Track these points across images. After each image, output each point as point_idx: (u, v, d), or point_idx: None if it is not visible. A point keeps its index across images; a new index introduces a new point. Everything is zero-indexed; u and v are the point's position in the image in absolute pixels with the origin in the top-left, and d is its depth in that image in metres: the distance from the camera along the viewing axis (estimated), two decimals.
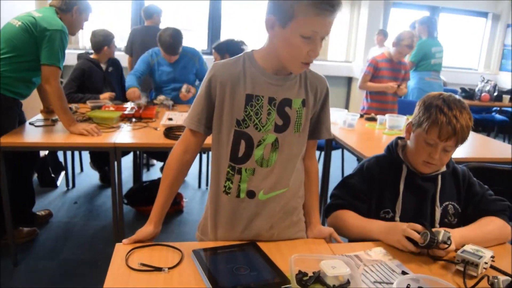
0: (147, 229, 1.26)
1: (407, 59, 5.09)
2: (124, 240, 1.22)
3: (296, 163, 1.29)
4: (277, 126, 1.22)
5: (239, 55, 1.25)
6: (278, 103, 1.21)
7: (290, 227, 1.34)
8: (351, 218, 1.42)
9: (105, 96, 3.43)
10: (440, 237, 1.22)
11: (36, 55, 2.39)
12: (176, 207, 3.43)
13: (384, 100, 3.78)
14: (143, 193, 3.37)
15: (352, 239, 1.45)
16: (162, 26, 4.41)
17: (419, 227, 1.25)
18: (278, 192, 1.27)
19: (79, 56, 3.58)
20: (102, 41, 3.50)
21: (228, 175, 1.26)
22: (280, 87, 1.22)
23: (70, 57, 3.67)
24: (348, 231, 1.41)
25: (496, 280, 1.07)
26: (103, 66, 3.59)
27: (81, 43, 5.68)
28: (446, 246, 1.22)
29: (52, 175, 3.81)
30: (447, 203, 1.47)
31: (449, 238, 1.22)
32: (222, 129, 1.24)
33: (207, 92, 1.23)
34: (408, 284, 1.03)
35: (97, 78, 3.54)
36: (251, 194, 1.26)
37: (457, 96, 1.40)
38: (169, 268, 1.11)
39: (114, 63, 3.72)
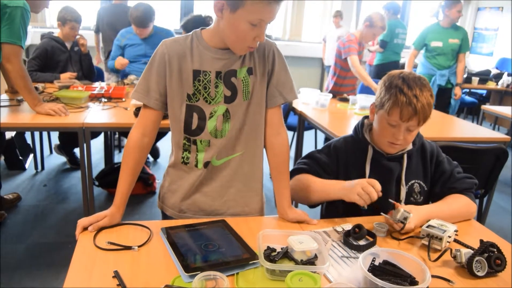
0: (113, 218, 1.22)
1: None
2: (89, 228, 1.17)
3: (252, 130, 1.32)
4: (226, 97, 1.26)
5: (189, 33, 1.28)
6: (223, 76, 1.25)
7: (247, 195, 1.38)
8: (312, 180, 1.43)
9: (66, 76, 3.33)
10: (398, 216, 1.24)
11: None
12: (148, 188, 3.39)
13: (342, 84, 3.72)
14: (114, 175, 3.29)
15: (312, 203, 1.47)
16: (130, 4, 4.32)
17: (377, 184, 1.25)
18: (230, 157, 1.33)
19: (43, 36, 3.47)
20: (68, 17, 3.38)
21: (185, 146, 1.32)
22: (226, 60, 1.25)
23: (36, 36, 3.55)
24: (309, 194, 1.40)
25: (458, 253, 1.10)
26: (68, 45, 3.48)
27: (48, 21, 5.48)
28: (402, 225, 1.24)
29: (20, 157, 3.71)
30: (413, 181, 1.48)
31: (405, 218, 1.24)
32: (174, 104, 1.28)
33: (157, 67, 1.25)
34: (374, 258, 1.05)
35: (61, 57, 3.43)
36: (207, 165, 1.32)
37: (418, 73, 1.39)
38: (138, 246, 1.10)
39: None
